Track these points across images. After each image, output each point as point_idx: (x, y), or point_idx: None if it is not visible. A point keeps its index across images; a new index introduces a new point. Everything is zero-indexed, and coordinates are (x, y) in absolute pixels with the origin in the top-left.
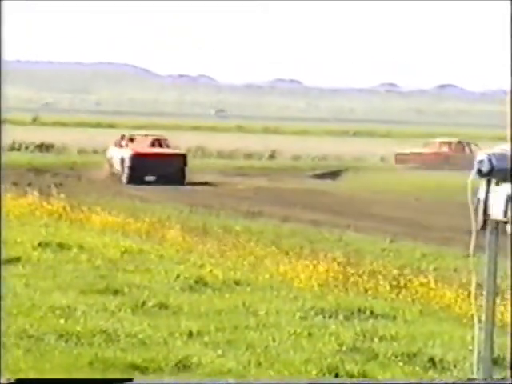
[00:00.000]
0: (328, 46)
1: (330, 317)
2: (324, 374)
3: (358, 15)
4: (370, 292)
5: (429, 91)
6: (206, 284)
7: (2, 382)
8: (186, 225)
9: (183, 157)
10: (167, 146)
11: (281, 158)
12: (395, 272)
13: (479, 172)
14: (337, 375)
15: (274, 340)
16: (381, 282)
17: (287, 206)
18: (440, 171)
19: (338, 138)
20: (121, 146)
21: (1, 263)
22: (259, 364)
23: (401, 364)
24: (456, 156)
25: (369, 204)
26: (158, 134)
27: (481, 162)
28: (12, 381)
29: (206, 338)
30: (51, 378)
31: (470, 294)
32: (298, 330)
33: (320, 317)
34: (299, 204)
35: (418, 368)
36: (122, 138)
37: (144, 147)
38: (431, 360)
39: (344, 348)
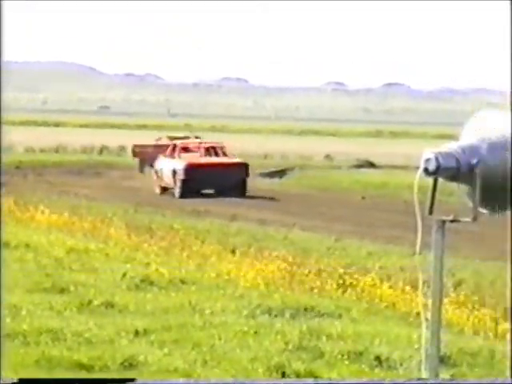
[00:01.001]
0: (274, 45)
1: (276, 315)
2: (271, 373)
3: (305, 14)
4: (316, 290)
5: (375, 90)
6: (152, 283)
7: (2, 382)
8: (132, 224)
9: (245, 166)
10: (224, 154)
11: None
12: (341, 270)
13: (426, 170)
14: (283, 374)
15: (220, 339)
16: (327, 281)
17: (234, 204)
18: (384, 169)
19: (284, 137)
20: (172, 156)
21: (0, 264)
22: (205, 362)
23: (347, 362)
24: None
25: (315, 202)
26: (214, 140)
27: (428, 160)
28: (14, 380)
29: (153, 337)
30: (53, 377)
31: (416, 292)
32: (245, 329)
33: (266, 315)
34: (246, 202)
35: (364, 366)
36: (174, 146)
37: (198, 157)
38: (377, 358)
39: (290, 347)
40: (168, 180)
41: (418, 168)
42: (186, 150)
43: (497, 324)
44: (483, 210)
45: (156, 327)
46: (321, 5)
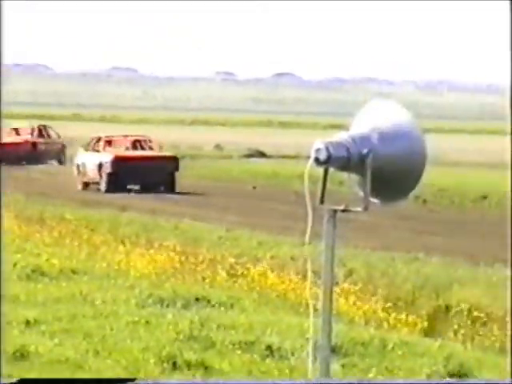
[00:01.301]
0: (164, 35)
1: (167, 305)
2: (162, 363)
3: (196, 4)
4: (207, 280)
5: (266, 80)
6: (43, 273)
7: (3, 382)
8: (23, 214)
9: (174, 160)
10: (150, 148)
11: None
12: (232, 260)
13: (316, 160)
14: (175, 364)
15: (111, 329)
16: (218, 271)
17: (124, 194)
18: (275, 159)
19: (175, 127)
20: (95, 150)
21: (0, 265)
22: (97, 353)
23: (239, 352)
24: (41, 142)
25: (206, 192)
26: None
27: (318, 150)
28: (14, 381)
29: (43, 327)
30: (53, 378)
31: (306, 282)
32: (136, 319)
33: (157, 305)
34: (137, 192)
35: (255, 356)
36: (98, 140)
37: (124, 150)
38: (269, 348)
39: (182, 337)
40: (92, 174)
41: (308, 158)
42: (110, 143)
43: (388, 314)
44: (374, 200)
45: (47, 317)
46: None
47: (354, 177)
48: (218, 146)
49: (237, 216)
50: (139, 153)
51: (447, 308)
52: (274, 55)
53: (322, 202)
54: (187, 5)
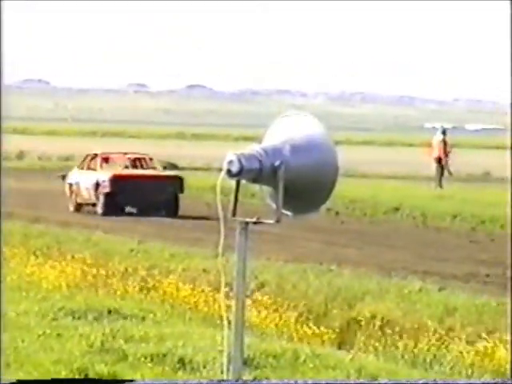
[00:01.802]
0: (77, 47)
1: (79, 318)
2: (74, 375)
3: (111, 18)
4: (119, 293)
5: (178, 91)
6: None
7: (3, 382)
8: None
9: (178, 180)
10: (152, 167)
11: (29, 159)
12: (144, 273)
13: (228, 172)
14: (86, 376)
15: (23, 341)
16: (130, 283)
17: (36, 206)
18: (187, 171)
19: (87, 138)
20: (90, 168)
21: (1, 266)
22: (8, 365)
23: (150, 365)
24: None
25: None
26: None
27: (230, 162)
28: (13, 381)
29: None
30: (51, 378)
31: (219, 294)
32: (48, 331)
33: (69, 317)
34: (48, 205)
35: (167, 368)
36: (93, 157)
37: (123, 168)
38: (181, 360)
39: (94, 349)
40: (87, 195)
41: (220, 170)
42: (107, 160)
43: (300, 326)
44: (287, 212)
45: None
46: (121, 7)
47: (267, 189)
48: None
49: (148, 228)
50: (140, 171)
51: (359, 320)
52: (186, 67)
53: (234, 214)
54: (101, 15)
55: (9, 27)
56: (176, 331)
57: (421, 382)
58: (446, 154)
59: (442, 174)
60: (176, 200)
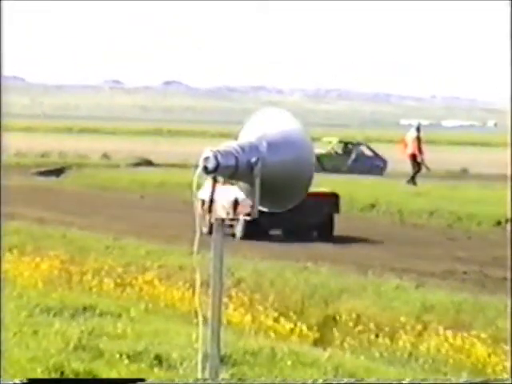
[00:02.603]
0: (54, 42)
1: (54, 315)
2: (50, 373)
3: (86, 13)
4: (94, 290)
5: (154, 88)
6: None
7: (3, 382)
8: None
9: (335, 199)
10: None
11: (5, 155)
12: (120, 270)
13: (205, 169)
14: (62, 373)
15: None
16: (105, 280)
17: (11, 203)
18: (163, 168)
19: (63, 135)
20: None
21: (1, 268)
22: None
23: (127, 362)
24: None
25: (93, 201)
26: None
27: (206, 158)
28: (24, 381)
29: None
30: (63, 378)
31: (195, 291)
32: (23, 329)
33: (45, 315)
34: (24, 201)
35: (144, 366)
36: None
37: None
38: (157, 357)
39: (70, 346)
40: (224, 213)
41: (197, 166)
42: None
43: (277, 323)
44: (263, 208)
45: None
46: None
47: (243, 185)
48: (105, 155)
49: (124, 225)
50: None
51: (336, 317)
52: (163, 63)
53: (210, 210)
54: (76, 11)
55: None
56: (152, 328)
57: (420, 382)
58: (421, 151)
59: (417, 171)
60: (331, 222)
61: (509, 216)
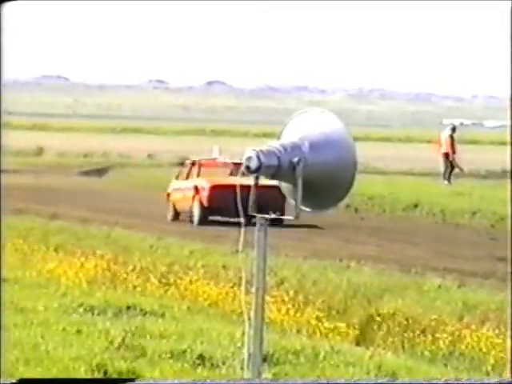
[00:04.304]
0: (94, 42)
1: (98, 314)
2: (93, 371)
3: (130, 12)
4: (138, 289)
5: (197, 88)
6: None
7: (2, 382)
8: None
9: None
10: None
11: (48, 155)
12: (163, 269)
13: (247, 168)
14: (106, 372)
15: (42, 337)
16: (149, 279)
17: (55, 203)
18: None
19: (106, 135)
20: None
21: (1, 269)
22: (28, 362)
23: (170, 361)
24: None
25: (137, 201)
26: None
27: (249, 158)
28: (14, 381)
29: None
30: (53, 378)
31: (239, 290)
32: (67, 328)
33: (89, 314)
34: (67, 201)
35: (187, 365)
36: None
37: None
38: (200, 357)
39: (113, 345)
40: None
41: None
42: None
43: (320, 322)
44: (305, 209)
45: None
46: (138, 4)
47: (285, 185)
48: (148, 155)
49: (168, 225)
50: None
51: (379, 317)
52: (205, 63)
53: (253, 210)
54: (119, 11)
55: (26, 23)
56: (195, 328)
57: (420, 382)
58: (454, 151)
59: (451, 169)
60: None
61: None
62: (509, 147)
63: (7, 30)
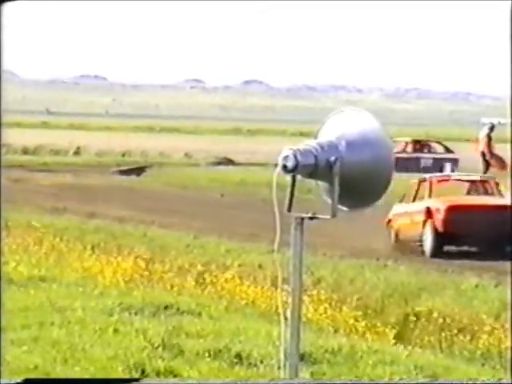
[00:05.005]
0: (132, 42)
1: (136, 313)
2: (130, 371)
3: (164, 11)
4: (175, 288)
5: (234, 87)
6: (10, 281)
7: (2, 382)
8: None
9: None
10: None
11: (86, 154)
12: (200, 268)
13: (284, 168)
14: (143, 372)
15: (79, 336)
16: (186, 278)
17: (92, 202)
18: (243, 167)
19: (143, 134)
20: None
21: (0, 267)
22: (65, 361)
23: (207, 360)
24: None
25: (174, 200)
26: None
27: (286, 157)
28: (19, 381)
29: (12, 335)
30: (58, 378)
31: (275, 289)
32: (104, 327)
33: (126, 313)
34: (104, 200)
35: (224, 364)
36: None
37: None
38: (238, 356)
39: (150, 345)
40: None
41: (276, 165)
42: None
43: (357, 321)
44: (342, 207)
45: (15, 325)
46: (175, 3)
47: (322, 184)
48: (186, 154)
49: (204, 223)
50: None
51: (416, 316)
52: (242, 62)
53: (289, 209)
54: (155, 11)
55: (64, 23)
56: (233, 327)
57: (420, 382)
58: (490, 150)
59: (486, 168)
60: None
61: None
62: None
63: (45, 30)
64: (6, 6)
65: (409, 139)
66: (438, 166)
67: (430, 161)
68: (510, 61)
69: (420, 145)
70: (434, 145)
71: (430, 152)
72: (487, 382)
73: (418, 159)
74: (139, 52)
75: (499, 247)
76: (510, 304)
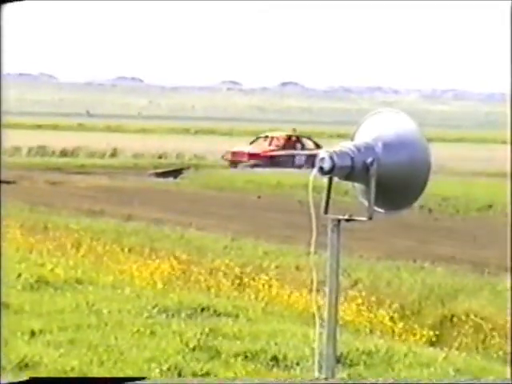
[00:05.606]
0: (168, 44)
1: (172, 315)
2: (167, 373)
3: (198, 13)
4: (212, 290)
5: (271, 89)
6: (47, 283)
7: (2, 381)
8: (26, 223)
9: None
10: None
11: (122, 156)
12: (237, 270)
13: (321, 170)
14: (180, 374)
15: (116, 339)
16: (223, 280)
17: (129, 204)
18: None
19: (180, 136)
20: None
21: (0, 268)
22: (102, 363)
23: (244, 362)
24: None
25: (210, 202)
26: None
27: (322, 159)
28: (14, 381)
29: (48, 337)
30: (64, 377)
31: (312, 291)
32: (141, 329)
33: (163, 315)
34: (141, 202)
35: (260, 366)
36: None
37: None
38: (274, 358)
39: (187, 347)
40: None
41: (313, 167)
42: None
43: (394, 323)
44: (379, 209)
45: (52, 328)
46: (213, 5)
47: (359, 186)
48: (223, 157)
49: (241, 225)
50: None
51: (453, 317)
52: (279, 64)
53: (326, 211)
54: (192, 13)
55: (103, 24)
56: (269, 329)
57: (420, 382)
58: None
59: None
60: None
61: None
62: None
63: (83, 32)
64: (44, 7)
65: (282, 134)
66: (310, 162)
67: (304, 158)
68: (510, 61)
69: (293, 141)
70: (305, 140)
71: (303, 148)
72: (487, 382)
73: (293, 156)
74: (176, 54)
75: None
76: (510, 304)
